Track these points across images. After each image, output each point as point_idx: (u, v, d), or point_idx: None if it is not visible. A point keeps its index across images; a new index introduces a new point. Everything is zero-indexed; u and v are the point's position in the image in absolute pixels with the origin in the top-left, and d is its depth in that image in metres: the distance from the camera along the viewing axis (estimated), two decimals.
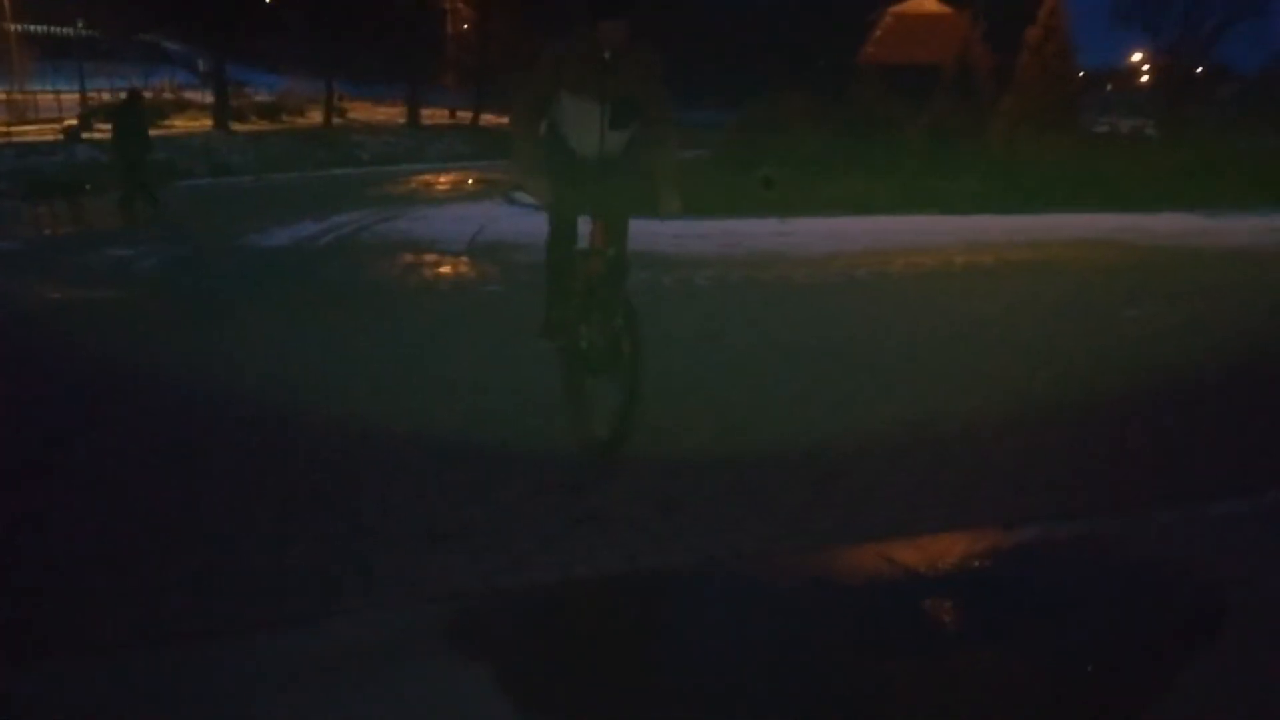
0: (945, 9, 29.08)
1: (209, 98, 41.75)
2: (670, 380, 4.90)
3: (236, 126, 38.28)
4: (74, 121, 31.11)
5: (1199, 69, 44.83)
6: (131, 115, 14.43)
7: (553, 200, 3.87)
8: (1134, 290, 8.29)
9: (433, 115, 46.75)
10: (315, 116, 43.55)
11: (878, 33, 32.08)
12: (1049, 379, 5.36)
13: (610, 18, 3.58)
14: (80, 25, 42.31)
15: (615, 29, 3.60)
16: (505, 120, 47.60)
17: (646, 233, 12.05)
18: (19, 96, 38.46)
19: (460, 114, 48.33)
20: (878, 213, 13.55)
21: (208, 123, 38.91)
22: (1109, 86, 54.09)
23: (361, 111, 47.24)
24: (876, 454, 4.07)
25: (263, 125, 40.62)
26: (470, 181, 23.25)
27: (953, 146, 14.89)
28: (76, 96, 38.18)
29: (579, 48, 3.72)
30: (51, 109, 38.22)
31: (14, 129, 32.21)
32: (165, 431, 4.40)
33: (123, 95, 17.45)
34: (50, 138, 27.76)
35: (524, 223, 12.70)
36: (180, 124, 39.01)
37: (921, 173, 14.45)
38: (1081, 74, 22.43)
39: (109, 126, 15.64)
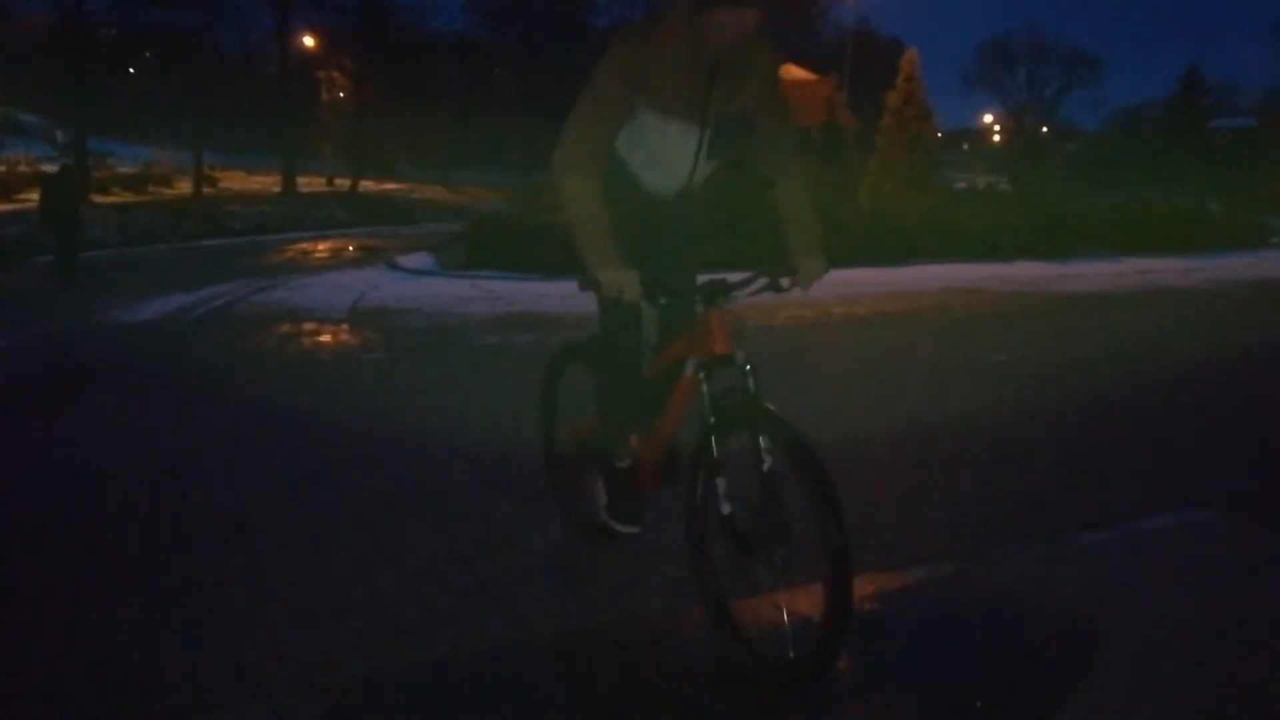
0: (811, 76, 30.60)
1: None
2: None
3: (99, 198, 36.73)
4: None
5: (1044, 129, 48.67)
6: (61, 188, 15.26)
7: (643, 296, 2.62)
8: (998, 335, 8.75)
9: (309, 182, 46.00)
10: (184, 187, 42.25)
11: None
12: (925, 424, 5.53)
13: (735, 4, 2.43)
14: None
15: (741, 20, 2.46)
16: (384, 186, 47.44)
17: (532, 294, 12.20)
18: None
19: (338, 180, 47.70)
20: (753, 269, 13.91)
21: None
22: (965, 145, 57.76)
23: (234, 181, 46.08)
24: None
25: (127, 197, 39.07)
26: (350, 248, 22.89)
27: (823, 204, 15.48)
28: None
29: (671, 47, 2.56)
30: None
31: None
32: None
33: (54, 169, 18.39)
34: None
35: (405, 287, 12.56)
36: (36, 197, 37.19)
37: None
38: (940, 135, 23.82)
39: (37, 198, 16.60)
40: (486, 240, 16.16)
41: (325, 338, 9.31)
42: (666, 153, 2.75)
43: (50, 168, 44.19)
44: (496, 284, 13.34)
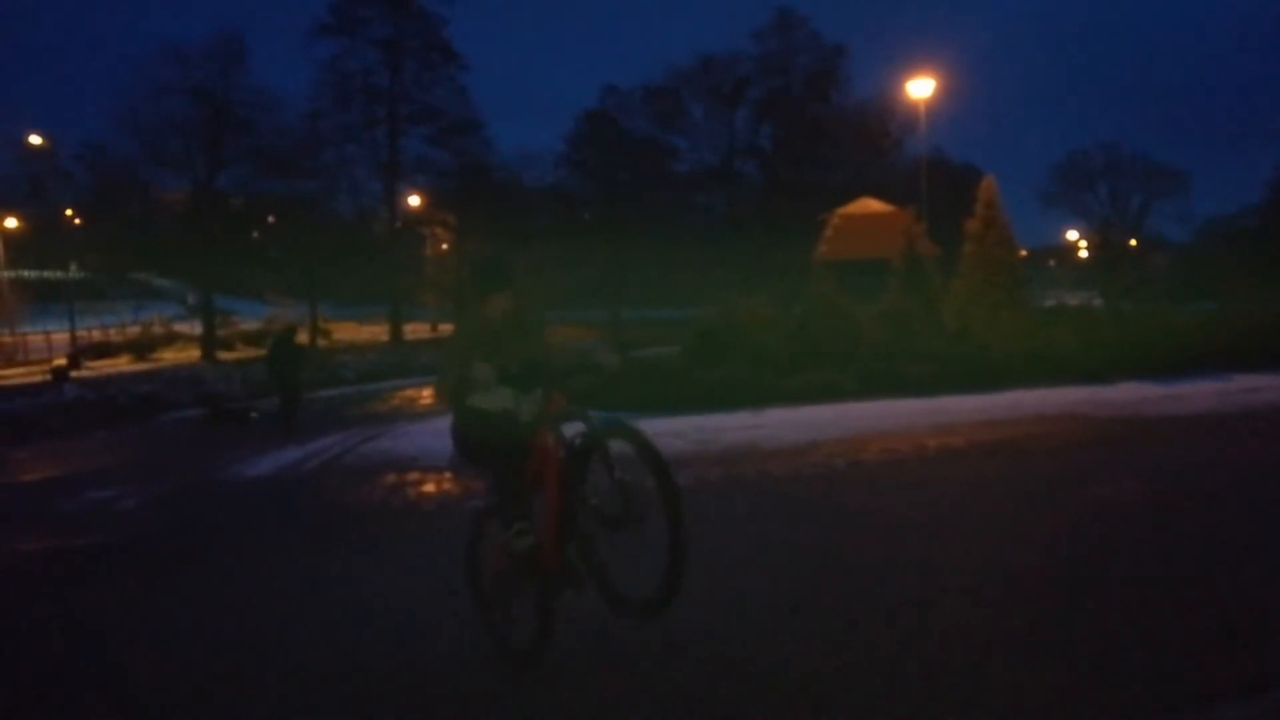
0: (889, 208, 31.26)
1: (197, 329, 43.08)
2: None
3: (224, 355, 39.30)
4: (63, 361, 31.92)
5: (1132, 241, 47.69)
6: (287, 345, 16.86)
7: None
8: (1105, 465, 8.41)
9: (415, 330, 48.27)
10: (301, 340, 44.72)
11: (829, 232, 34.33)
12: (1034, 565, 5.34)
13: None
14: (73, 269, 44.07)
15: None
16: None
17: None
18: (8, 339, 39.53)
19: (441, 327, 49.92)
20: (844, 400, 13.98)
21: (195, 353, 39.96)
22: (1052, 263, 56.81)
23: (346, 331, 48.66)
24: (869, 665, 3.99)
25: (249, 352, 41.65)
26: None
27: (907, 332, 15.58)
28: (67, 336, 39.28)
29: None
30: (41, 349, 39.22)
31: (4, 372, 32.92)
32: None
33: (280, 328, 21.26)
34: (39, 379, 28.36)
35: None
36: (169, 356, 40.05)
37: (879, 359, 15.03)
38: (1024, 254, 23.74)
39: (265, 354, 18.85)
40: (575, 378, 16.61)
41: (429, 487, 9.70)
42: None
43: (181, 327, 47.78)
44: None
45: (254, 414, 18.34)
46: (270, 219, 46.07)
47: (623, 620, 4.05)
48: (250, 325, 48.56)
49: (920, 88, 24.19)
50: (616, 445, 3.92)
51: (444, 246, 53.13)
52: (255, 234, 47.77)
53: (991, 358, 14.95)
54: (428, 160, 48.80)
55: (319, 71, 46.99)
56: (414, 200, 48.12)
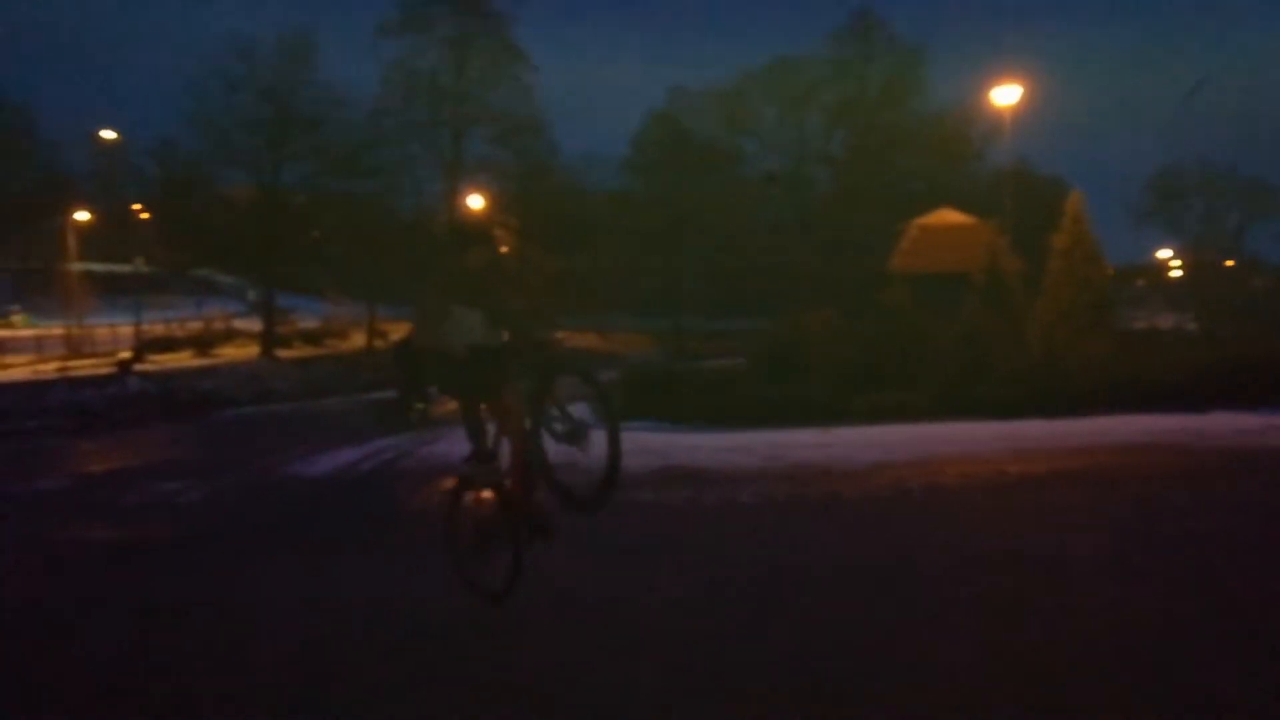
0: (969, 219, 30.39)
1: (257, 326, 43.69)
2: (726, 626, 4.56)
3: (282, 353, 39.73)
4: (128, 354, 32.49)
5: (1229, 262, 45.61)
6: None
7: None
8: (1204, 500, 7.91)
9: None
10: (357, 339, 45.21)
11: (904, 244, 33.45)
12: (1139, 610, 4.91)
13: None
14: (139, 262, 45.01)
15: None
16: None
17: (687, 446, 12.09)
18: (77, 331, 40.42)
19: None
20: (917, 420, 13.43)
21: (255, 350, 40.49)
22: (1140, 282, 54.81)
23: (402, 332, 48.92)
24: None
25: (307, 351, 42.15)
26: None
27: (987, 351, 14.95)
28: (131, 329, 40.05)
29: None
30: (107, 342, 40.07)
31: (71, 363, 33.62)
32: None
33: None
34: (104, 371, 28.83)
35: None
36: (229, 352, 40.63)
37: (957, 378, 14.43)
38: (1111, 272, 22.81)
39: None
40: (639, 390, 16.26)
41: (485, 493, 9.37)
42: None
43: (241, 323, 48.56)
44: (650, 436, 13.29)
45: (420, 405, 18.09)
46: (331, 217, 46.56)
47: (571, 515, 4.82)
48: (309, 324, 49.14)
49: (1006, 94, 23.39)
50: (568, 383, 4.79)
51: (503, 249, 53.24)
52: (316, 232, 48.34)
53: (1077, 381, 14.26)
54: (490, 160, 48.85)
55: (385, 70, 47.31)
56: (475, 201, 48.26)
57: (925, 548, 6.45)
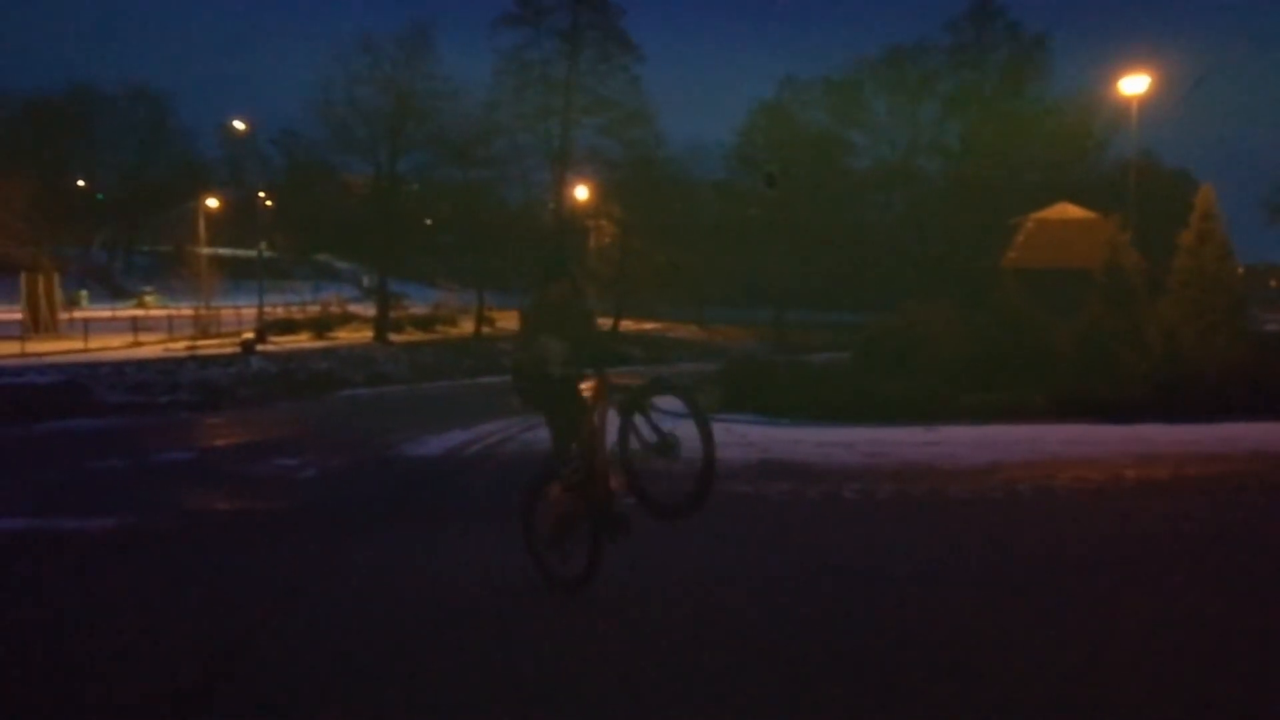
0: (1089, 214, 29.13)
1: (371, 310, 45.19)
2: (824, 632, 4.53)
3: (394, 337, 41.00)
4: (250, 335, 34.05)
5: None
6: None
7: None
8: None
9: None
10: (466, 326, 46.30)
11: (1020, 238, 32.34)
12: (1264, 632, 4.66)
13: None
14: (263, 248, 47.03)
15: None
16: (643, 325, 49.78)
17: (787, 440, 12.01)
18: (205, 312, 42.57)
19: (601, 320, 50.47)
20: (1030, 420, 13.00)
21: (368, 334, 41.91)
22: (1273, 282, 51.63)
23: (509, 320, 49.94)
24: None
25: (418, 336, 43.37)
26: None
27: (1107, 351, 14.32)
28: (254, 311, 41.98)
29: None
30: (232, 323, 42.09)
31: (199, 342, 35.45)
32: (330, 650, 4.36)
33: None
34: (229, 350, 30.32)
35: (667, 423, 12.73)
36: (344, 335, 42.16)
37: (1074, 378, 13.88)
38: (1241, 270, 21.56)
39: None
40: (739, 382, 16.20)
41: (566, 489, 9.49)
42: None
43: (356, 308, 50.31)
44: (750, 429, 13.26)
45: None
46: (444, 206, 47.75)
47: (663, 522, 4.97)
48: (420, 309, 50.55)
49: (1133, 84, 22.29)
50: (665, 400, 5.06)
51: (607, 240, 53.71)
52: (429, 221, 49.67)
53: (1204, 385, 13.53)
54: (598, 151, 49.35)
55: (499, 61, 48.28)
56: (581, 192, 48.80)
57: (1028, 553, 6.30)
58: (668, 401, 5.03)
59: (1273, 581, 5.50)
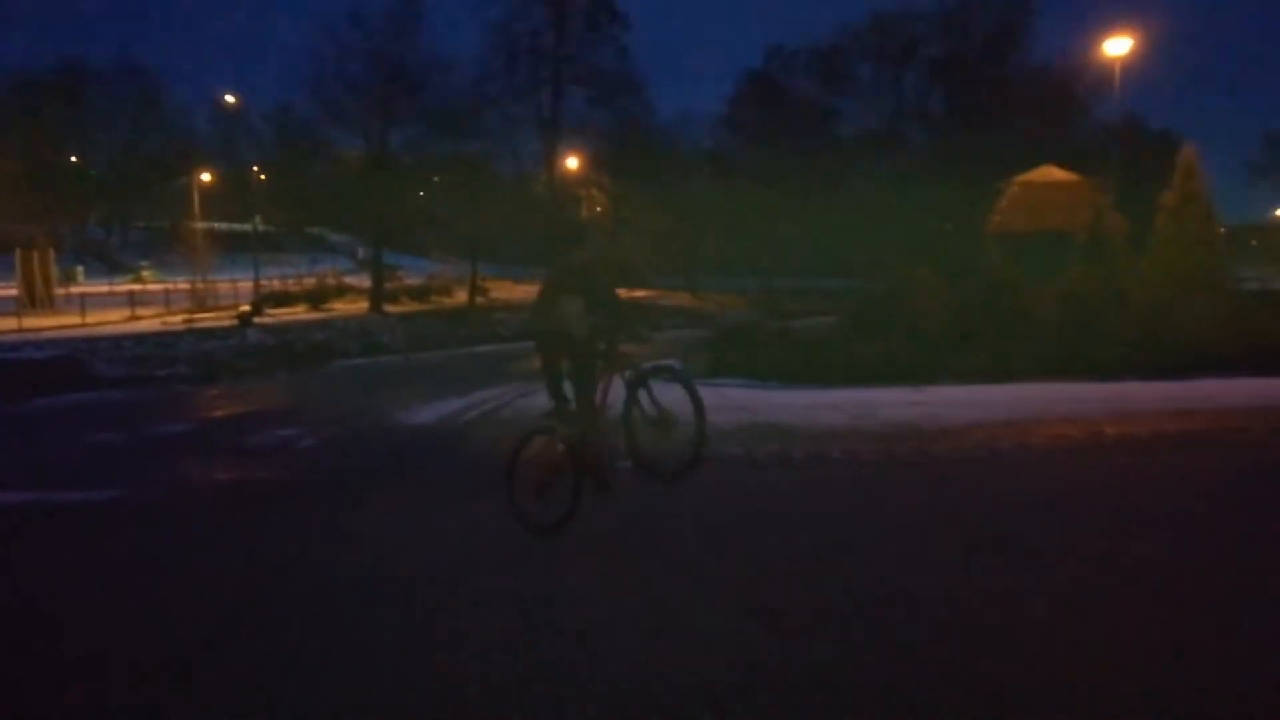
0: (1073, 176, 29.21)
1: (366, 282, 45.29)
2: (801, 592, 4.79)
3: (389, 308, 41.15)
4: (247, 308, 34.17)
5: None
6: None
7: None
8: None
9: None
10: (460, 296, 46.44)
11: (1004, 201, 32.38)
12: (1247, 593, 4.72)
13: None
14: (257, 221, 46.98)
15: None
16: (634, 293, 49.89)
17: (776, 404, 12.23)
18: (201, 286, 42.64)
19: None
20: (1013, 380, 13.25)
21: (364, 305, 42.04)
22: (1254, 242, 51.81)
23: (502, 290, 50.09)
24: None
25: (413, 306, 43.49)
26: None
27: (1089, 312, 14.55)
28: (250, 284, 42.02)
29: None
30: (228, 296, 42.16)
31: (195, 315, 35.57)
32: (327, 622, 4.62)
33: None
34: (226, 323, 30.44)
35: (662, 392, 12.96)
36: (340, 307, 42.29)
37: (1057, 339, 14.12)
38: (1223, 230, 21.73)
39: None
40: (730, 347, 16.42)
41: (558, 443, 9.69)
42: None
43: (351, 280, 50.33)
44: (739, 392, 13.46)
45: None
46: (436, 179, 47.68)
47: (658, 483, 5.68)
48: (415, 280, 50.61)
49: (1117, 46, 22.34)
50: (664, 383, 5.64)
51: (598, 209, 53.68)
52: (422, 193, 49.58)
53: (1184, 342, 13.78)
54: (588, 121, 49.28)
55: (488, 33, 48.02)
56: (572, 162, 48.73)
57: (1003, 507, 6.57)
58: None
59: (1244, 528, 5.75)
